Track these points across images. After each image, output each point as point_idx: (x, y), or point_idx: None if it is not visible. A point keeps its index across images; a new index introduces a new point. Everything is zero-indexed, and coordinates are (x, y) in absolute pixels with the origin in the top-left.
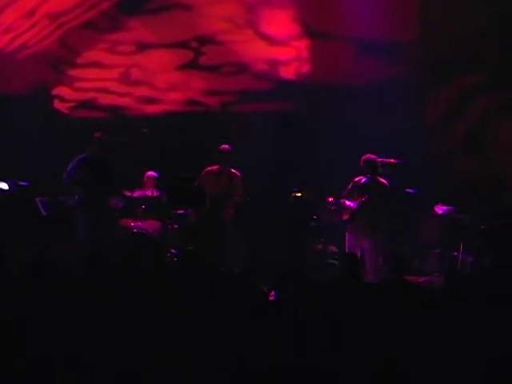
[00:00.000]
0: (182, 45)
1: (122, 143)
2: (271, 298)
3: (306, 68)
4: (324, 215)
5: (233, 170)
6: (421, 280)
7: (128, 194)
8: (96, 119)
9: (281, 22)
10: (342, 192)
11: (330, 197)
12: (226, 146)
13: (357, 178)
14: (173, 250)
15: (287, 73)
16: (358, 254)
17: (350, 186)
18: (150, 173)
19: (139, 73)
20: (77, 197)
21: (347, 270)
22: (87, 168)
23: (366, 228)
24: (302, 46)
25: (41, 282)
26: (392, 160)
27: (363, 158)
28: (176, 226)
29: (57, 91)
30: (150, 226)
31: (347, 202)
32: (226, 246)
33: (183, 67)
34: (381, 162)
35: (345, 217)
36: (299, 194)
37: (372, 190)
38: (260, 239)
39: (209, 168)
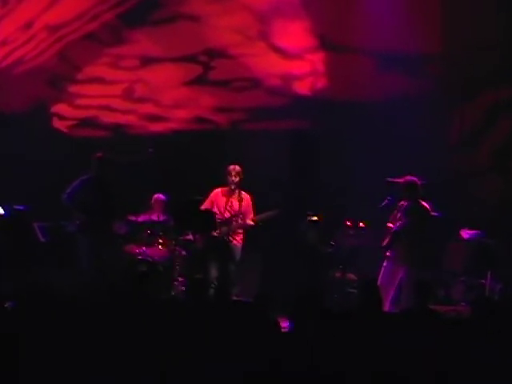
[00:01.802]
0: (190, 59)
1: (126, 164)
2: (284, 329)
3: (321, 83)
4: (342, 240)
5: (243, 192)
6: (446, 309)
7: (132, 218)
8: (98, 138)
9: (295, 34)
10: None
11: (348, 220)
12: (236, 166)
13: (401, 203)
14: (180, 279)
15: (302, 88)
16: (396, 283)
17: (395, 212)
18: (158, 196)
19: (144, 89)
20: (78, 221)
21: (367, 299)
22: (89, 190)
23: (404, 255)
24: (318, 60)
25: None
26: None
27: (403, 180)
28: (183, 253)
29: (56, 109)
30: (156, 252)
31: (389, 224)
32: (236, 273)
33: (191, 83)
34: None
35: (384, 242)
36: (315, 218)
37: (413, 214)
38: (273, 266)
39: (217, 189)
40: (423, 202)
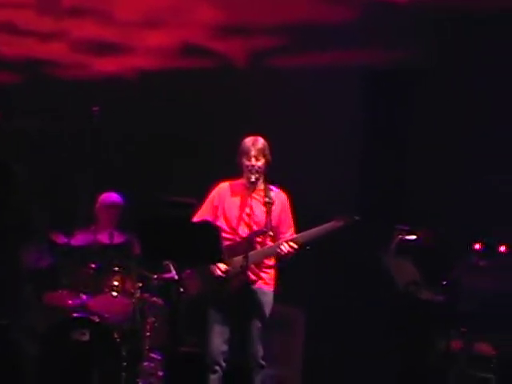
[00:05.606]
0: None
1: (47, 135)
2: None
3: None
4: (466, 279)
5: (274, 188)
6: None
7: (62, 239)
8: None
9: None
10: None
11: (477, 242)
12: (259, 139)
13: None
14: (153, 355)
15: None
16: None
17: None
18: (109, 196)
19: None
20: None
21: None
22: None
23: None
24: None
25: None
26: None
27: None
28: (159, 305)
29: None
30: (108, 304)
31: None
32: (263, 341)
33: None
34: None
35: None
36: (412, 237)
37: None
38: (332, 328)
39: (224, 184)
40: None
